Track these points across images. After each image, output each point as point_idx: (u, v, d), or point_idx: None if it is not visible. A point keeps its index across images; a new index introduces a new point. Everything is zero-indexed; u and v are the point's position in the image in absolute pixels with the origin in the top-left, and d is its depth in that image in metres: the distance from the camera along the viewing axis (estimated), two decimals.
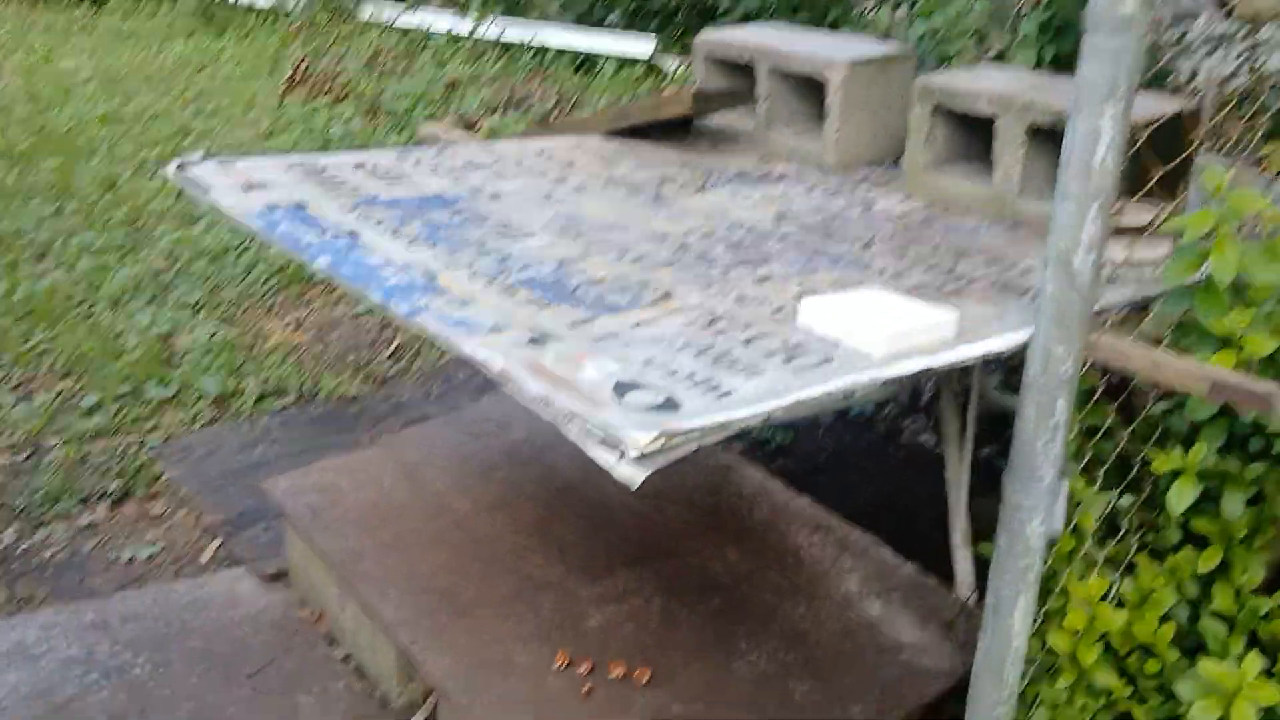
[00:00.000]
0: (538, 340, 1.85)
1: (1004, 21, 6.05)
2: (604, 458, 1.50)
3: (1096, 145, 1.73)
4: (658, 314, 2.04)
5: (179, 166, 2.61)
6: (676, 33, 8.37)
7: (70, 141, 6.38)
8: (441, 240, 2.37)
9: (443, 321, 1.89)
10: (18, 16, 9.66)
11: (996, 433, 3.76)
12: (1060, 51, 5.61)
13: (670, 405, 1.61)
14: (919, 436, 3.85)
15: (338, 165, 2.85)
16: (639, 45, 7.80)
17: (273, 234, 2.29)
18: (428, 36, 8.42)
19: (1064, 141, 1.76)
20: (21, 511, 3.30)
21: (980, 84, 2.70)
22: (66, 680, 2.65)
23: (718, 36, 3.34)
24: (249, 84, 7.69)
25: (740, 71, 3.31)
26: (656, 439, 1.46)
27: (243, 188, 2.55)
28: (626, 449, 1.46)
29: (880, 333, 1.86)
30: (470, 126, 6.49)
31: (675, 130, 3.49)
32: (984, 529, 2.63)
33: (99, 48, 8.59)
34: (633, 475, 1.46)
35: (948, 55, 6.12)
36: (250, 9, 9.46)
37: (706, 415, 1.55)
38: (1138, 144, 1.93)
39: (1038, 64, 5.49)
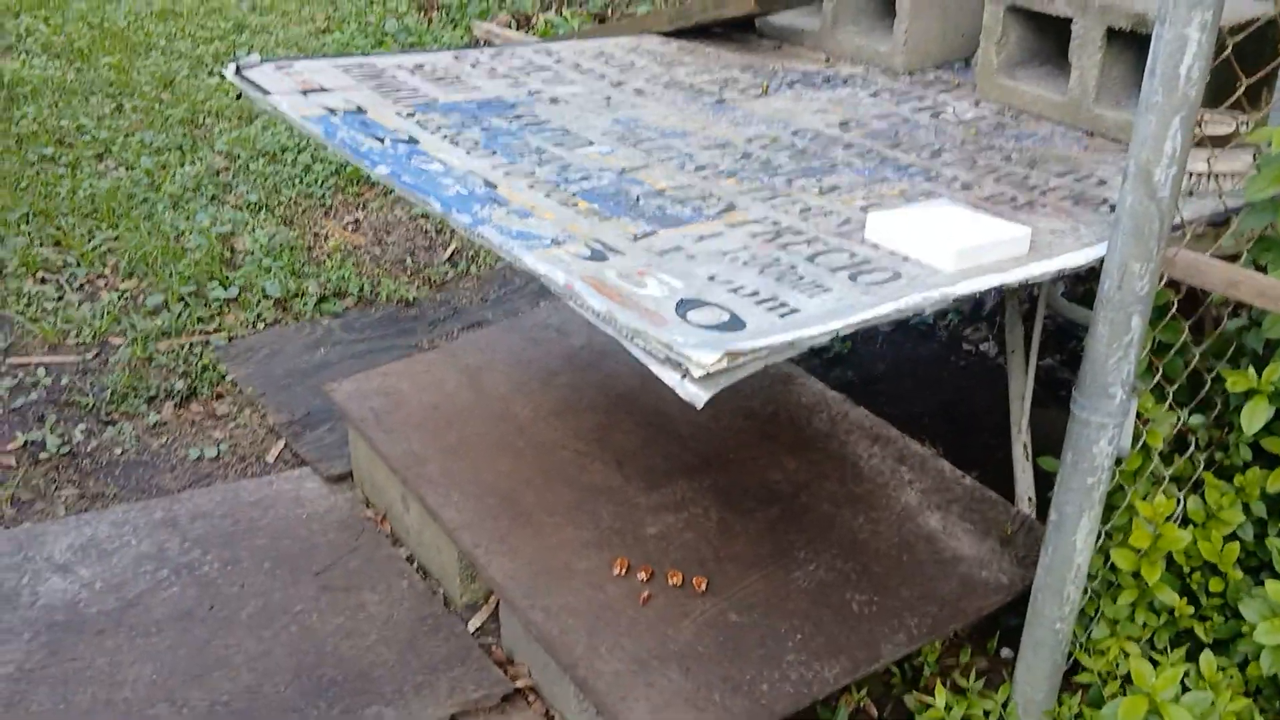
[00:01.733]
0: (599, 254, 1.84)
1: None
2: (668, 376, 1.49)
3: (1183, 54, 1.66)
4: (721, 227, 2.01)
5: (236, 70, 2.60)
6: None
7: (128, 37, 6.37)
8: (501, 148, 2.34)
9: (504, 234, 1.87)
10: None
11: (1060, 342, 3.72)
12: None
13: (734, 324, 1.60)
14: (980, 346, 3.81)
15: (396, 67, 2.82)
16: None
17: (333, 140, 2.28)
18: None
19: (1150, 50, 1.69)
20: (91, 410, 3.38)
21: None
22: (138, 576, 2.73)
23: None
24: None
25: None
26: (720, 359, 1.44)
27: (301, 91, 2.53)
28: (690, 369, 1.45)
29: (950, 248, 1.81)
30: (525, 22, 6.39)
31: (737, 29, 3.40)
32: (1045, 440, 2.61)
33: None
34: (697, 395, 1.45)
35: None
36: None
37: (771, 335, 1.53)
38: (1225, 52, 1.85)
39: None
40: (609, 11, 6.60)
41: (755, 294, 1.72)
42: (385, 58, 2.89)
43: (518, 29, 6.43)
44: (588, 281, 1.69)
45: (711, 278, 1.77)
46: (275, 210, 4.56)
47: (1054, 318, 3.55)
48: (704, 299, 1.68)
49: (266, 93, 2.47)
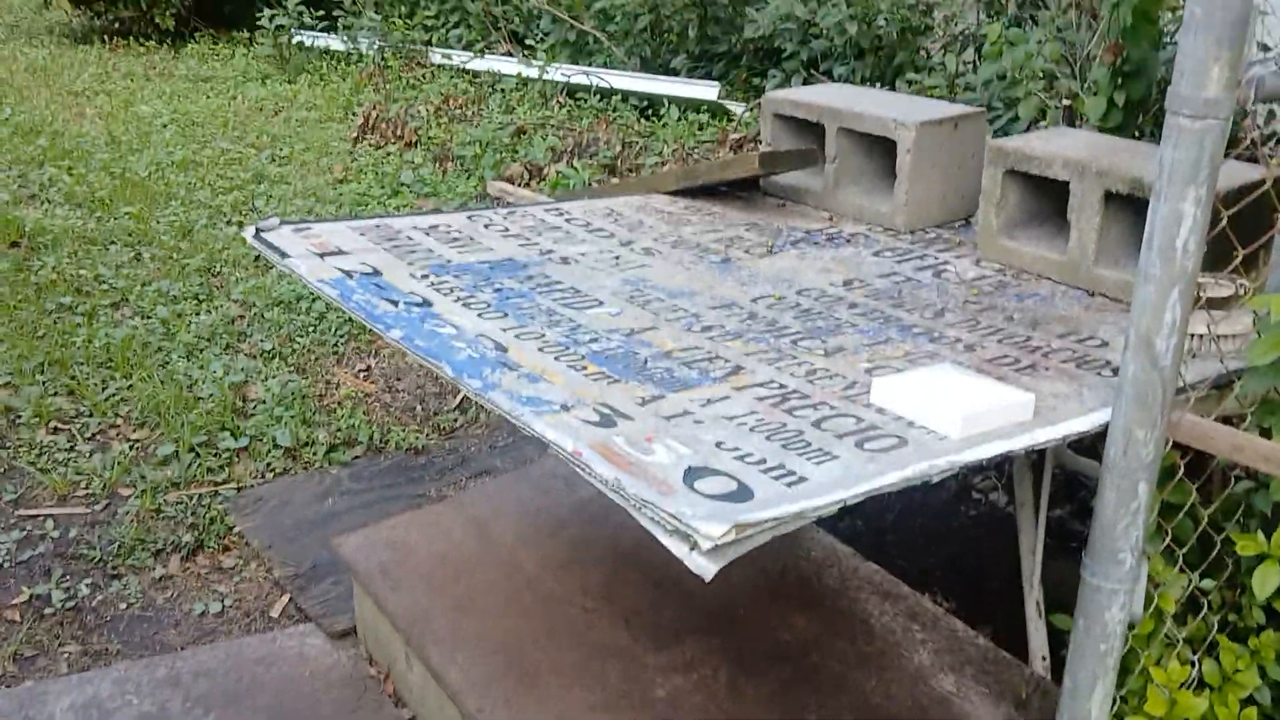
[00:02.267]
0: (607, 420, 1.86)
1: (1074, 63, 5.99)
2: (677, 548, 1.49)
3: (1179, 228, 1.70)
4: (728, 390, 2.03)
5: (256, 233, 2.66)
6: (741, 75, 8.40)
7: (149, 187, 6.55)
8: (512, 309, 2.39)
9: (513, 400, 1.90)
10: (99, 62, 9.94)
11: (1070, 492, 3.70)
12: (1131, 96, 5.54)
13: (742, 493, 1.61)
14: (990, 495, 3.79)
15: (412, 228, 2.89)
16: (703, 90, 7.83)
17: (348, 303, 2.32)
18: (496, 81, 8.53)
19: (1147, 222, 1.73)
20: (97, 563, 3.37)
21: (1054, 148, 2.67)
22: None
23: (785, 96, 3.34)
24: (322, 129, 7.83)
25: (808, 129, 3.31)
26: (729, 532, 1.45)
27: (318, 253, 2.59)
28: (699, 541, 1.45)
29: (956, 415, 1.83)
30: (537, 173, 6.55)
31: (742, 187, 3.49)
32: (1058, 591, 2.58)
33: (177, 92, 8.82)
34: (705, 567, 1.46)
35: (1015, 99, 6.06)
36: (325, 52, 9.65)
37: (780, 505, 1.54)
38: (1221, 224, 1.89)
39: (1108, 110, 5.43)
40: (618, 162, 6.77)
41: (763, 461, 1.73)
42: (401, 219, 2.97)
43: (530, 179, 6.59)
44: (595, 449, 1.71)
45: (719, 444, 1.79)
46: (288, 358, 4.61)
47: (1063, 466, 3.54)
48: (711, 467, 1.69)
49: (285, 255, 2.53)
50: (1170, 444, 1.94)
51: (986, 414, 1.86)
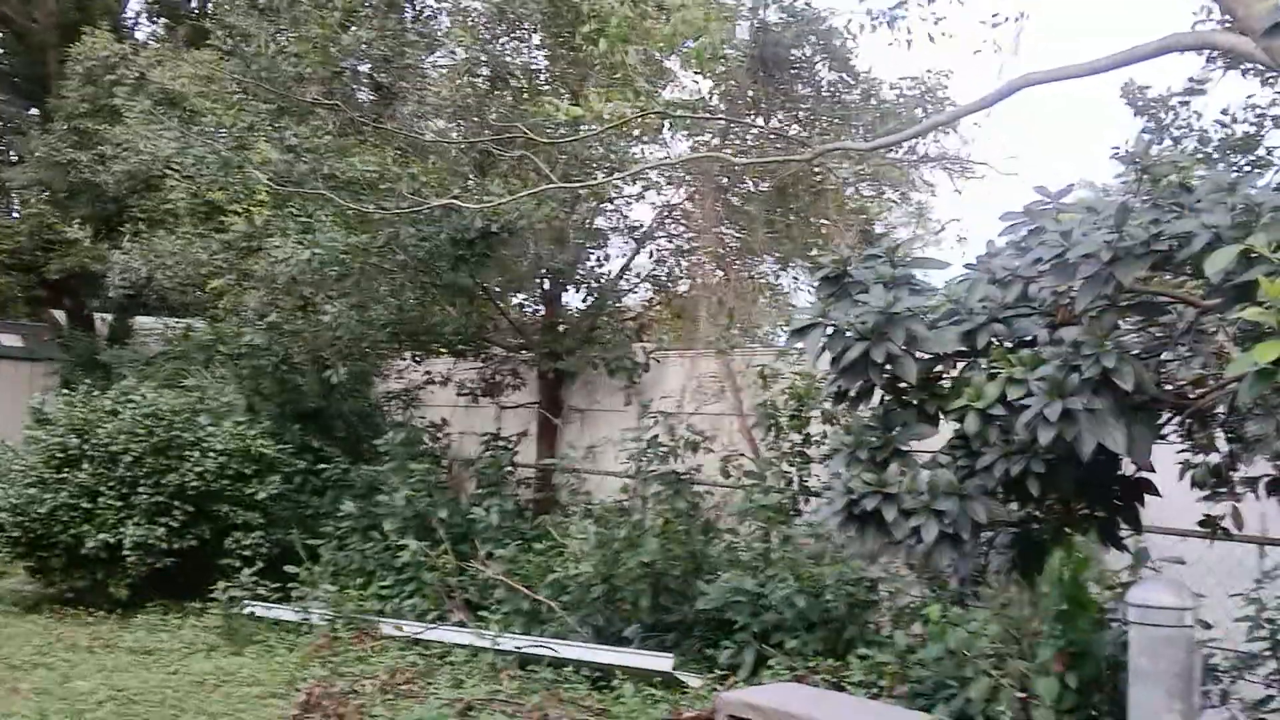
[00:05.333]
0: None
1: (1020, 641, 6.09)
2: None
3: None
4: None
5: None
6: (695, 645, 8.40)
7: None
8: None
9: None
10: (45, 632, 9.78)
11: None
12: (1083, 677, 5.57)
13: None
14: None
15: None
16: (657, 662, 7.79)
17: None
18: (447, 652, 8.46)
19: None
20: None
21: None
22: None
23: (740, 698, 3.32)
24: (263, 706, 7.59)
25: None
26: None
27: None
28: None
29: None
30: None
31: None
32: None
33: (119, 666, 8.60)
34: None
35: (966, 678, 6.04)
36: (276, 622, 9.59)
37: None
38: None
39: (1062, 691, 5.43)
40: None
41: None
42: None
43: None
44: None
45: None
46: None
47: None
48: None
49: None
50: None
51: None
